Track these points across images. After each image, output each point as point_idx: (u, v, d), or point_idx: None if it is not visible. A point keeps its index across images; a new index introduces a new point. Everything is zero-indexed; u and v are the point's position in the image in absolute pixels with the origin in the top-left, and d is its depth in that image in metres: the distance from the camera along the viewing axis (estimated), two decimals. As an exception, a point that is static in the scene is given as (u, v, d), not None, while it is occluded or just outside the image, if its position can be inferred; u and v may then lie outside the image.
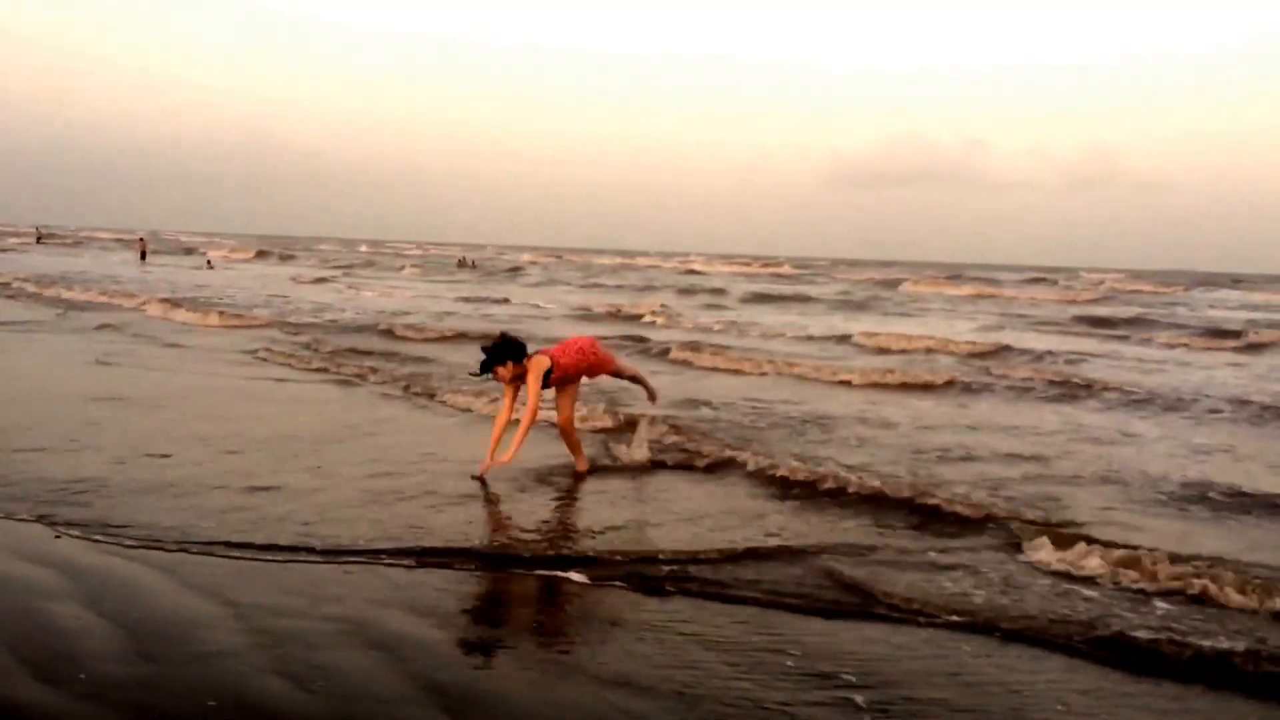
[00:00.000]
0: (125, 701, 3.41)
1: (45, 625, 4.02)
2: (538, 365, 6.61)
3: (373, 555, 5.05)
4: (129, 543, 5.06)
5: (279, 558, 4.95)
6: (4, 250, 51.20)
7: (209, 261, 47.96)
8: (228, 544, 5.08)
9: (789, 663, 3.98)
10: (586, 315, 23.53)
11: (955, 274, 65.59)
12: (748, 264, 78.40)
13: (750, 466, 7.13)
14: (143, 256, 48.65)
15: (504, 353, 6.56)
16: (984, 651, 4.18)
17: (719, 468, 7.27)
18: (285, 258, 61.68)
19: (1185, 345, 19.67)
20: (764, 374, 13.09)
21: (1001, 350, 16.61)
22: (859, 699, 3.68)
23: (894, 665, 4.00)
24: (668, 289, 38.29)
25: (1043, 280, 58.45)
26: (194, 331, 16.56)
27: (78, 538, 5.12)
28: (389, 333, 16.86)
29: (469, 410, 9.43)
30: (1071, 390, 11.99)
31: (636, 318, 22.70)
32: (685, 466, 7.32)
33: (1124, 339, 21.27)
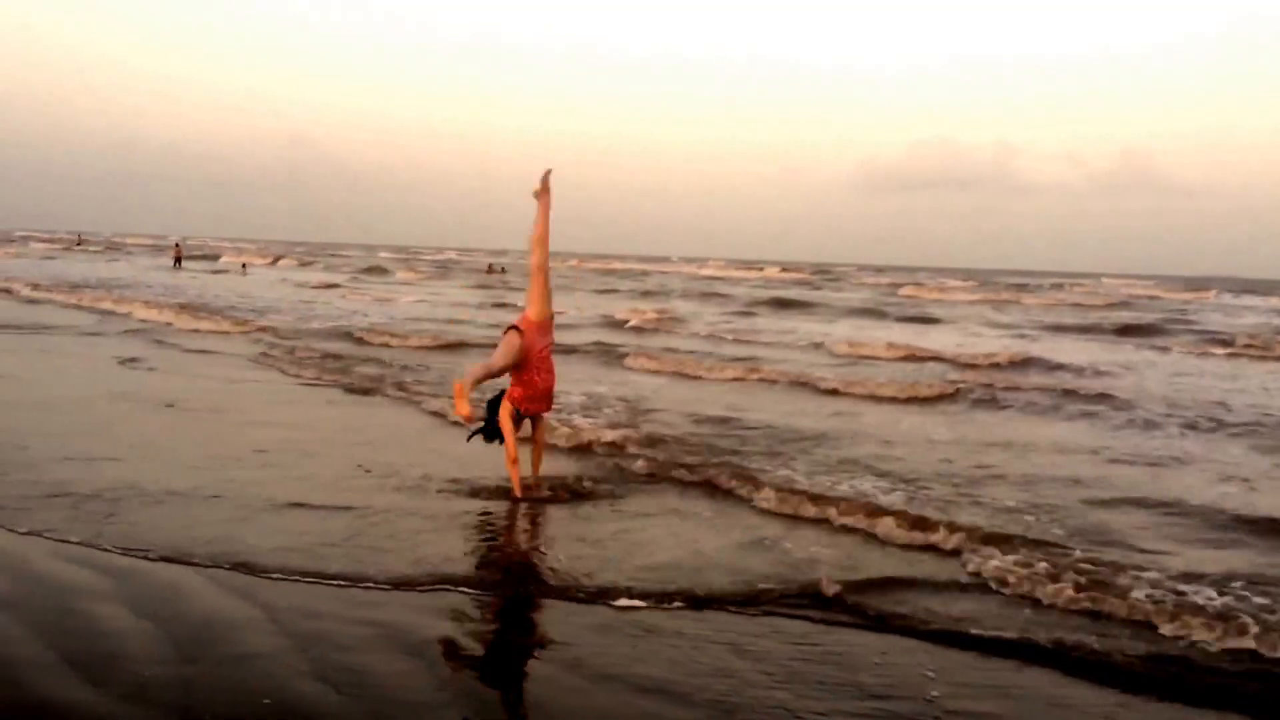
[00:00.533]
0: (167, 702, 3.43)
1: (89, 627, 4.06)
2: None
3: (403, 582, 5.03)
4: (163, 549, 5.08)
5: (336, 583, 4.77)
6: (48, 258, 51.84)
7: (244, 266, 48.69)
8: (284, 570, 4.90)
9: (826, 674, 3.96)
10: (579, 322, 23.08)
11: (980, 280, 65.28)
12: (760, 268, 78.61)
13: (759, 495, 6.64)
14: (177, 262, 49.24)
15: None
16: (1043, 682, 4.11)
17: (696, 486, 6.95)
18: (305, 263, 62.14)
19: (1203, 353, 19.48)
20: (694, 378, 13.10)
21: (980, 363, 15.98)
22: (897, 709, 3.66)
23: (929, 681, 3.96)
24: (674, 294, 38.17)
25: (1060, 286, 58.04)
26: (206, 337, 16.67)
27: (116, 544, 5.16)
28: (356, 339, 16.68)
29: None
30: (1061, 402, 11.51)
31: (622, 324, 22.37)
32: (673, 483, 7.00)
33: (1142, 347, 21.10)
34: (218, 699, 3.47)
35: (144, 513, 5.66)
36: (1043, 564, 5.10)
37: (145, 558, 4.89)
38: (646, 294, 38.73)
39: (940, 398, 11.67)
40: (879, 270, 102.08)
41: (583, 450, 7.91)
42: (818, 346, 18.35)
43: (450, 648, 4.09)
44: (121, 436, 7.82)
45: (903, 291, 47.35)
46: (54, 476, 6.33)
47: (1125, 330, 24.94)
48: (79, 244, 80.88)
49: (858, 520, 5.99)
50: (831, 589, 4.74)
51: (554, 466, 7.05)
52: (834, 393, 11.99)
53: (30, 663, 3.68)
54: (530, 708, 3.61)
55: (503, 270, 57.39)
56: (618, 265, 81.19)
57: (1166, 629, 4.44)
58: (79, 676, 3.58)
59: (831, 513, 6.12)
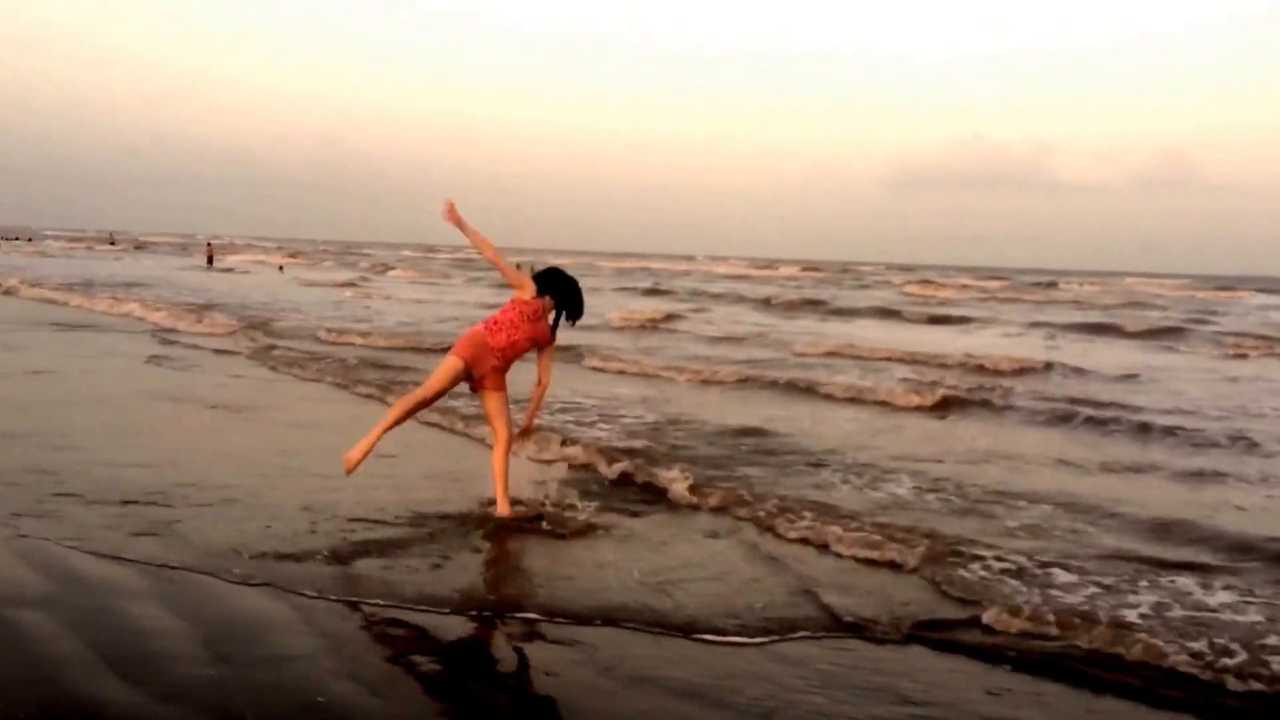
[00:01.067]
0: (205, 702, 3.45)
1: (125, 625, 4.08)
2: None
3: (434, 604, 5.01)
4: (200, 550, 5.11)
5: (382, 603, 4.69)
6: (86, 257, 52.53)
7: (280, 267, 49.31)
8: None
9: (863, 679, 3.94)
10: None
11: (1008, 279, 64.83)
12: (776, 267, 78.56)
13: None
14: (209, 262, 49.89)
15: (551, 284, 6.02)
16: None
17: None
18: (346, 263, 62.67)
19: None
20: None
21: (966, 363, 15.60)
22: (935, 715, 3.64)
23: (968, 690, 3.95)
24: (681, 294, 38.00)
25: (1078, 284, 57.49)
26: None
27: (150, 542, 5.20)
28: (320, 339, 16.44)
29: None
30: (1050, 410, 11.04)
31: (610, 325, 21.93)
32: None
33: (1163, 349, 20.94)
34: (255, 700, 3.48)
35: (181, 513, 5.68)
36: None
37: (178, 565, 4.89)
38: (652, 293, 38.55)
39: (887, 404, 11.29)
40: (906, 269, 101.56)
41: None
42: (784, 349, 17.88)
43: (484, 651, 4.10)
44: (163, 437, 7.88)
45: (915, 290, 46.95)
46: (96, 476, 6.38)
47: (1148, 333, 24.60)
48: (112, 243, 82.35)
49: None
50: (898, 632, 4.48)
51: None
52: (808, 392, 11.89)
53: (69, 661, 3.70)
54: (563, 711, 3.59)
55: (530, 269, 57.41)
56: (638, 264, 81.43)
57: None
58: (117, 675, 3.59)
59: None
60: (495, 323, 5.85)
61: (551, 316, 6.02)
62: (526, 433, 6.24)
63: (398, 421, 5.78)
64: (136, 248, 78.30)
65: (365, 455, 5.69)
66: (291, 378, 11.87)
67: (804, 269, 77.82)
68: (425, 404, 5.86)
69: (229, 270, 45.36)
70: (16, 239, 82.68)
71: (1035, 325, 26.52)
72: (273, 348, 14.45)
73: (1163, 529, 6.15)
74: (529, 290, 5.91)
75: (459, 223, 5.82)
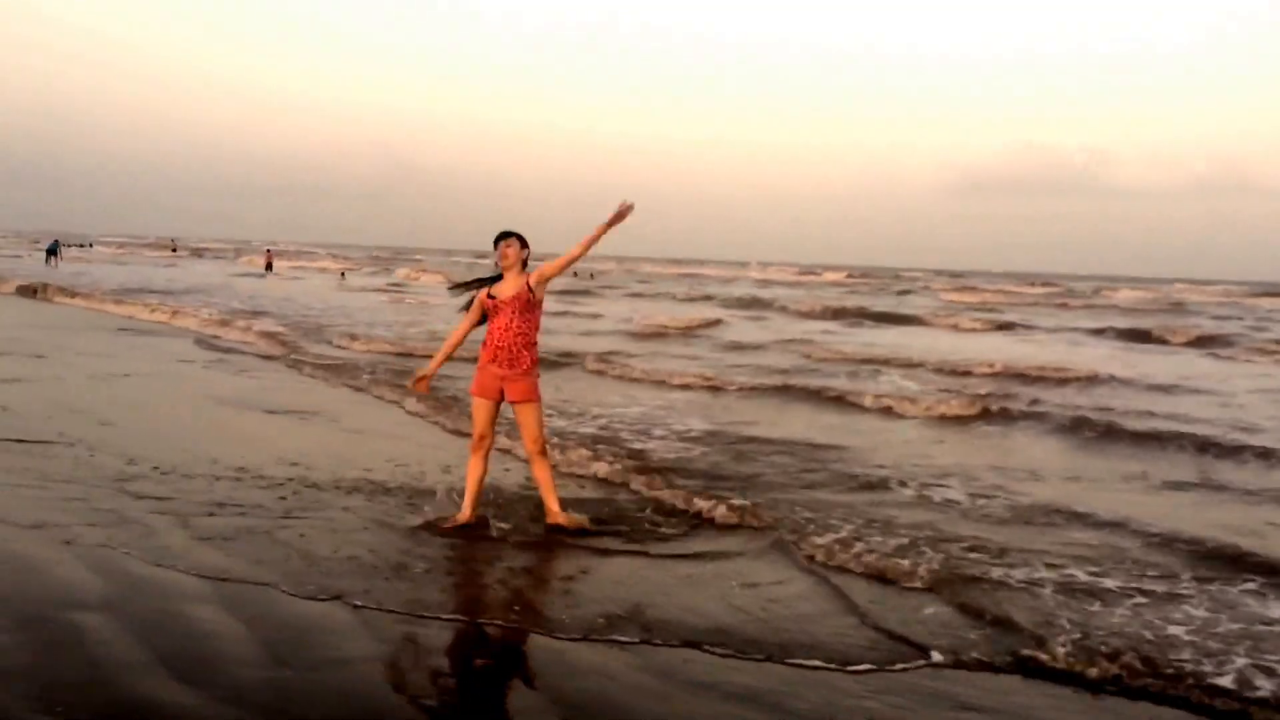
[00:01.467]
0: (264, 705, 3.46)
1: (186, 629, 4.12)
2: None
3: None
4: (262, 560, 5.17)
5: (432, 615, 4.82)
6: (169, 265, 53.61)
7: (343, 274, 50.04)
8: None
9: (921, 684, 3.89)
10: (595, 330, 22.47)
11: (1063, 286, 63.86)
12: (818, 273, 78.18)
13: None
14: (268, 268, 50.75)
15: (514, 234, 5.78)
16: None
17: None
18: (421, 270, 63.14)
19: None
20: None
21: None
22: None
23: (1032, 699, 3.84)
24: (715, 300, 37.84)
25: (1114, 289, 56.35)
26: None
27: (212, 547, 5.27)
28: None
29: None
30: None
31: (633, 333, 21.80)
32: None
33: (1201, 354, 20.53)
34: (314, 704, 3.49)
35: (248, 522, 5.76)
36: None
37: (229, 577, 4.94)
38: (691, 300, 38.52)
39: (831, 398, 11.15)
40: (957, 275, 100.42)
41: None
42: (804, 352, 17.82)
43: (541, 654, 4.08)
44: (226, 443, 7.99)
45: (958, 296, 46.39)
46: (157, 480, 6.49)
47: (1199, 340, 24.03)
48: (173, 250, 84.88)
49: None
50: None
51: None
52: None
53: (128, 663, 3.74)
54: (621, 714, 3.57)
55: (591, 276, 57.95)
56: (690, 271, 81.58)
57: None
58: (176, 678, 3.62)
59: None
60: (484, 344, 5.79)
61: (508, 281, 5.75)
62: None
63: (474, 469, 5.82)
64: (194, 253, 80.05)
65: (475, 508, 5.81)
66: (345, 388, 11.96)
67: (851, 276, 77.52)
68: (480, 440, 5.84)
69: (288, 278, 46.06)
70: (83, 245, 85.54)
71: (1092, 332, 26.11)
72: (321, 355, 14.64)
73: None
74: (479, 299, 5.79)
75: (609, 226, 5.60)
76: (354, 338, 17.03)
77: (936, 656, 4.14)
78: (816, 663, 4.03)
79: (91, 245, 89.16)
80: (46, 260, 43.22)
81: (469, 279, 6.17)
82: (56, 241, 47.04)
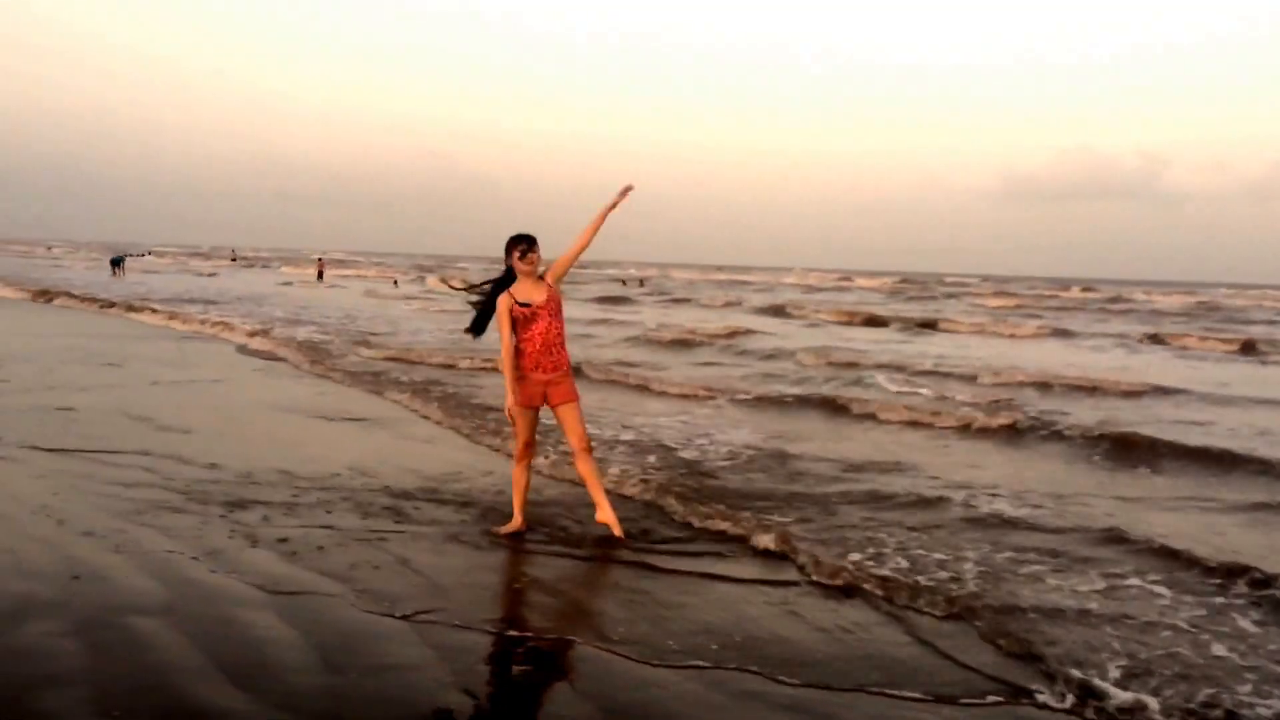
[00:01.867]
0: (319, 711, 3.50)
1: (241, 635, 4.17)
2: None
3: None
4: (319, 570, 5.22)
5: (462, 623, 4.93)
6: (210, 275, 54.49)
7: (395, 282, 50.68)
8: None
9: (981, 686, 3.88)
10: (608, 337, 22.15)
11: (1114, 293, 62.88)
12: (851, 278, 77.78)
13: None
14: (320, 277, 51.51)
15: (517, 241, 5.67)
16: None
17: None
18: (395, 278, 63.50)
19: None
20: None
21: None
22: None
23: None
24: (745, 306, 37.53)
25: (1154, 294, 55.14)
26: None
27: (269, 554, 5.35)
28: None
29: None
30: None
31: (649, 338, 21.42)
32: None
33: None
34: (368, 710, 3.52)
35: (296, 530, 5.84)
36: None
37: (283, 589, 4.99)
38: (727, 305, 38.42)
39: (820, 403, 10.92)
40: (1003, 280, 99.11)
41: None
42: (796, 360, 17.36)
43: (591, 664, 4.08)
44: (280, 448, 8.09)
45: (997, 301, 45.72)
46: (218, 489, 6.60)
47: (1245, 348, 23.30)
48: (234, 259, 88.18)
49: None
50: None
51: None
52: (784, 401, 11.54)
53: (185, 668, 3.79)
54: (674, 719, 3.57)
55: (640, 283, 58.12)
56: (733, 277, 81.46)
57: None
58: (231, 683, 3.67)
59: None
60: (519, 353, 5.74)
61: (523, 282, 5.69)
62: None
63: (520, 477, 5.88)
64: (248, 264, 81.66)
65: (524, 517, 5.88)
66: (399, 396, 12.06)
67: (896, 281, 76.94)
68: (525, 449, 5.87)
69: (338, 285, 46.64)
70: (144, 254, 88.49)
71: (1147, 339, 25.52)
72: (378, 366, 14.82)
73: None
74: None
75: (611, 208, 5.64)
76: (409, 349, 16.98)
77: (1043, 698, 3.82)
78: (879, 688, 3.88)
79: (148, 254, 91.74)
80: (112, 272, 44.16)
81: (476, 282, 6.16)
82: (123, 254, 48.01)
